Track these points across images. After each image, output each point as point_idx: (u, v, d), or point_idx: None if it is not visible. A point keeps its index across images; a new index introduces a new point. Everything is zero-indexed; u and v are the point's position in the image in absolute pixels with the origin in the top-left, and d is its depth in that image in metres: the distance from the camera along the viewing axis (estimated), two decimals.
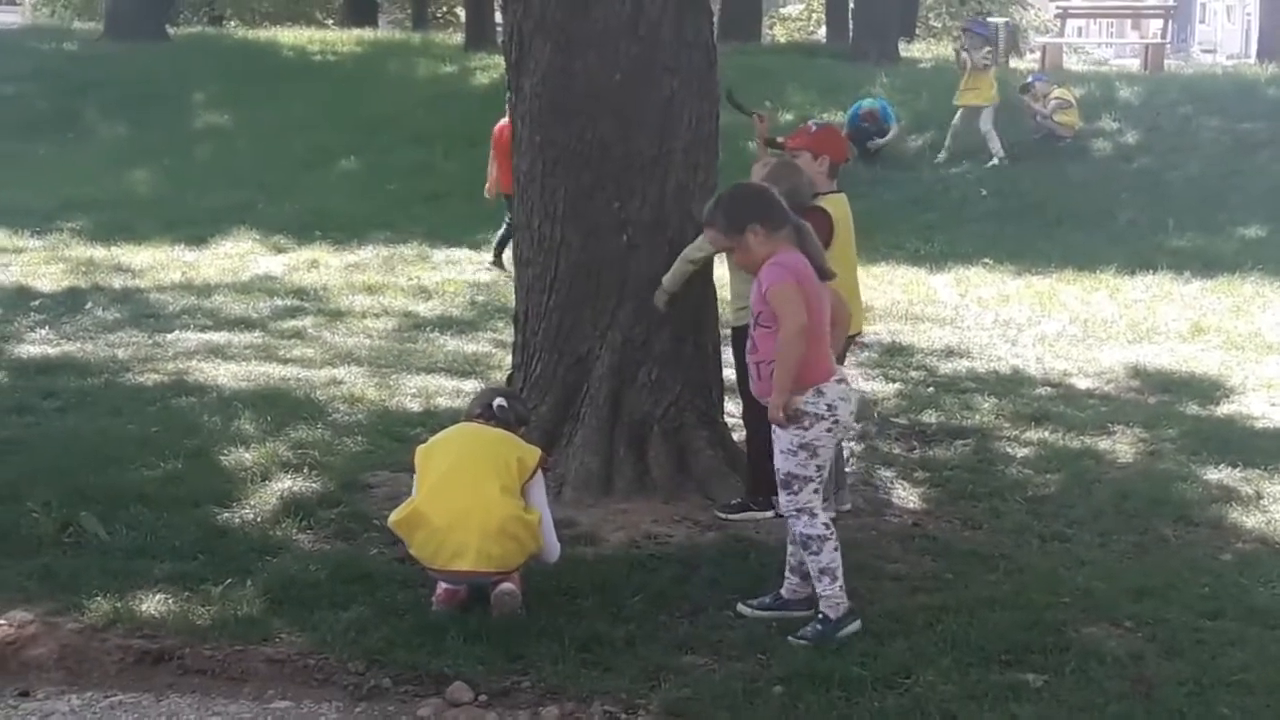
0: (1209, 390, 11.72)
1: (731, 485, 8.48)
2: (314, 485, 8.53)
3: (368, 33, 36.40)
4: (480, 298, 15.20)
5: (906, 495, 8.87)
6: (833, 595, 6.70)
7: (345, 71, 29.12)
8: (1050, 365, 12.69)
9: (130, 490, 8.28)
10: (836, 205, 8.23)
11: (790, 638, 6.65)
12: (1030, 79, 23.63)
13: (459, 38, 35.59)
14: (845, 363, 8.30)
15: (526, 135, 8.64)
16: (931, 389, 11.63)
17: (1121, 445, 10.02)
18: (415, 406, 10.58)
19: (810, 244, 6.74)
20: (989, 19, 25.92)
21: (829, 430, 6.66)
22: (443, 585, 6.94)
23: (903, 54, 31.36)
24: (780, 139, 8.67)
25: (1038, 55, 33.04)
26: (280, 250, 17.89)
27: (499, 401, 7.41)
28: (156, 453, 9.01)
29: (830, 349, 6.81)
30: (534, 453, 7.18)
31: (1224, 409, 11.17)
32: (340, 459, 9.12)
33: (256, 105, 26.19)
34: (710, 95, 8.72)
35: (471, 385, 11.24)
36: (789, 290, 6.54)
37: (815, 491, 6.72)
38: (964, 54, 22.61)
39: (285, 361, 12.07)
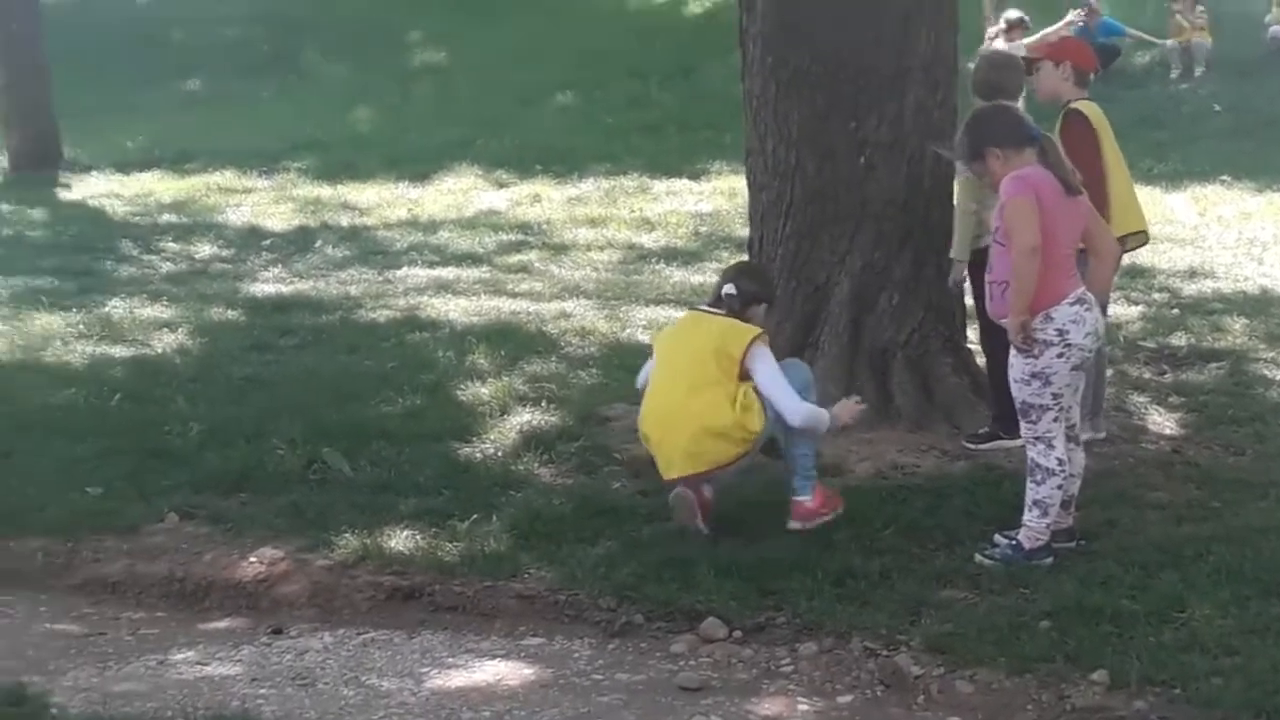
0: None
1: (978, 413, 8.20)
2: (552, 419, 8.44)
3: None
4: (704, 228, 15.04)
5: (1162, 421, 8.53)
6: (1035, 529, 6.45)
7: (557, 5, 28.98)
8: None
9: (371, 426, 8.27)
10: (1088, 108, 7.88)
11: (977, 554, 6.48)
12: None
13: None
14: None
15: (758, 55, 8.40)
16: (1177, 311, 11.22)
17: None
18: (646, 338, 10.41)
19: (1055, 158, 6.43)
20: None
21: (1060, 356, 6.33)
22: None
23: None
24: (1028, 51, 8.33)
25: None
26: (502, 185, 17.91)
27: (727, 289, 7.12)
28: (395, 388, 9.00)
29: (1073, 269, 6.46)
30: (741, 338, 6.85)
31: None
32: (576, 392, 9.02)
33: (471, 42, 26.19)
34: (948, 10, 8.41)
35: None
36: (1023, 207, 6.25)
37: (1055, 420, 6.43)
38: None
39: (514, 295, 12.03)
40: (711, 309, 7.15)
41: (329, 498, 7.30)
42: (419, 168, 18.75)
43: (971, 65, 8.63)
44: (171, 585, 6.65)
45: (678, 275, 13.02)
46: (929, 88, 8.27)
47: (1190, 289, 12.00)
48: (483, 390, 8.93)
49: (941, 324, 8.41)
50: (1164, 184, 16.98)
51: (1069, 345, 6.34)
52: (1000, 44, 18.51)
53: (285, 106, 23.51)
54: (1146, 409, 8.74)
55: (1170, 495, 7.28)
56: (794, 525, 6.83)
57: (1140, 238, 8.21)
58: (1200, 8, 22.24)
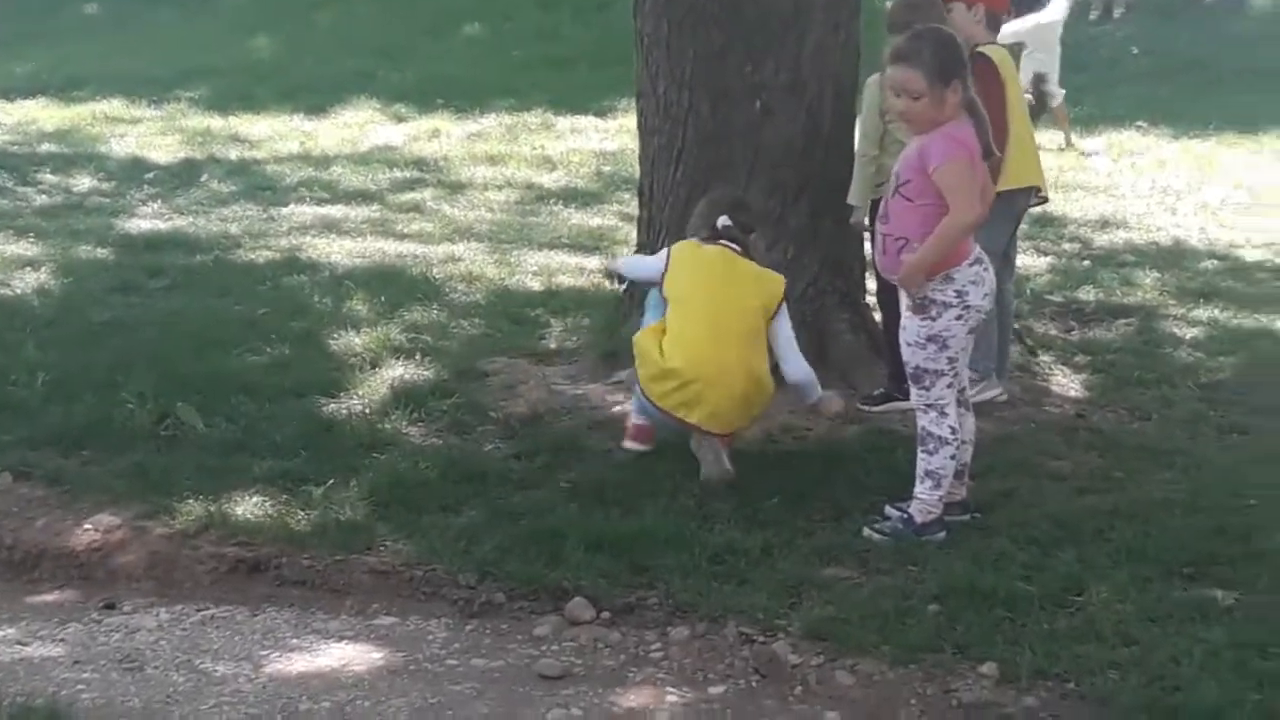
0: None
1: (875, 373, 7.80)
2: (426, 373, 7.95)
3: None
4: (606, 168, 14.55)
5: (1066, 382, 8.16)
6: (927, 501, 6.06)
7: None
8: (1215, 236, 11.88)
9: (233, 378, 7.76)
10: (997, 54, 7.49)
11: (865, 528, 6.09)
12: None
13: None
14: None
15: None
16: (1087, 263, 10.87)
17: None
18: (536, 285, 9.99)
19: (980, 116, 6.00)
20: None
21: (959, 318, 5.95)
22: (637, 421, 6.84)
23: None
24: None
25: None
26: (400, 119, 17.35)
27: (723, 221, 6.85)
28: (263, 336, 8.49)
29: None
30: (776, 288, 6.80)
31: None
32: (456, 343, 8.55)
33: None
34: None
35: (596, 262, 10.63)
36: (964, 172, 5.84)
37: (949, 386, 6.04)
38: None
39: (402, 237, 11.53)
40: (713, 242, 6.84)
41: (177, 458, 6.77)
42: (316, 99, 18.16)
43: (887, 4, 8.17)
44: None
45: (576, 218, 12.56)
46: (830, 28, 7.82)
47: (1102, 239, 11.67)
48: (356, 340, 8.43)
49: (838, 278, 8.01)
50: (1079, 129, 16.68)
51: (968, 307, 5.95)
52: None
53: (184, 33, 22.83)
54: (1051, 369, 8.37)
55: (1072, 464, 6.91)
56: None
57: (1039, 197, 7.85)
58: None
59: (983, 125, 5.97)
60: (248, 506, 6.22)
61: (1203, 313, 9.43)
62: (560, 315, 9.21)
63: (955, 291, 5.92)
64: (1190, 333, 9.05)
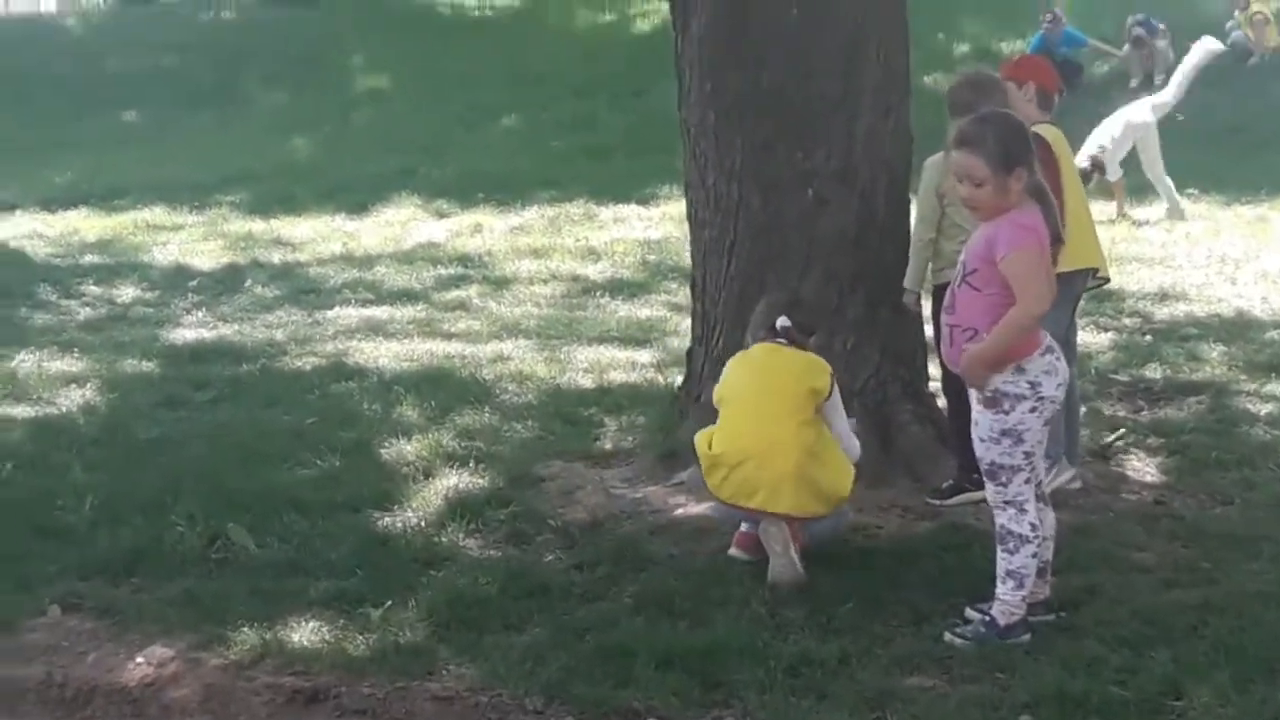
0: None
1: (943, 465, 7.57)
2: (481, 481, 7.74)
3: None
4: (651, 257, 14.40)
5: (1142, 466, 7.91)
6: (1010, 603, 5.79)
7: (503, 26, 28.35)
8: (1278, 305, 11.58)
9: (283, 494, 7.54)
10: (1049, 133, 7.30)
11: (947, 633, 5.81)
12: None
13: None
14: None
15: (695, 83, 7.76)
16: (1149, 338, 10.62)
17: None
18: (588, 382, 9.79)
19: (1048, 201, 5.79)
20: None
21: (1033, 410, 5.70)
22: (742, 528, 6.63)
23: None
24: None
25: None
26: (442, 215, 17.24)
27: (781, 322, 6.70)
28: (312, 448, 8.29)
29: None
30: (825, 374, 6.64)
31: None
32: (509, 448, 8.35)
33: (414, 66, 25.49)
34: (900, 25, 7.79)
35: (647, 356, 10.46)
36: (1034, 261, 5.62)
37: (1027, 481, 5.79)
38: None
39: (449, 336, 11.36)
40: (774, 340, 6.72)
41: (230, 582, 6.54)
42: (357, 198, 18.06)
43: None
44: (49, 691, 5.87)
45: (623, 310, 12.38)
46: (880, 112, 7.63)
47: (1162, 313, 11.41)
48: (408, 448, 8.23)
49: (900, 368, 7.78)
50: (1130, 197, 16.43)
51: (1042, 399, 5.71)
52: None
53: (222, 137, 22.80)
54: (1124, 453, 8.11)
55: (1155, 555, 6.65)
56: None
57: (1099, 279, 7.65)
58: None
59: (1051, 210, 5.76)
60: (304, 632, 5.99)
61: (1276, 387, 9.17)
62: (614, 413, 9.02)
63: (1028, 383, 5.69)
64: (1265, 409, 8.79)
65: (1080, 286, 7.60)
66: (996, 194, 5.66)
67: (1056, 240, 5.78)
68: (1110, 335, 10.73)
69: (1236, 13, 21.75)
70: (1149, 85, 21.29)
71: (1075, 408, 7.67)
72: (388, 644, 5.88)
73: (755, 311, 6.96)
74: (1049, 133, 7.30)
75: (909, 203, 7.88)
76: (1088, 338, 10.39)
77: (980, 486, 7.26)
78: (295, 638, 5.95)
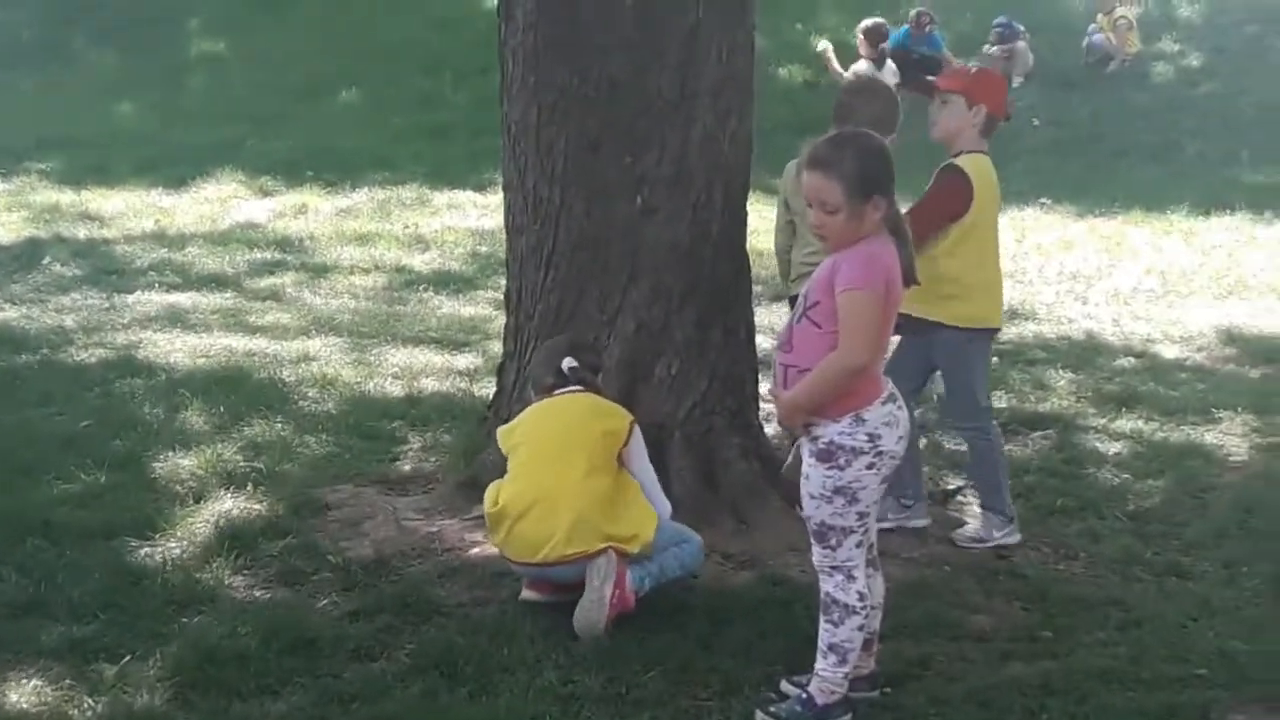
0: None
1: (770, 503, 6.91)
2: (259, 506, 6.97)
3: None
4: (483, 248, 13.65)
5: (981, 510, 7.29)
6: (831, 680, 5.15)
7: None
8: (1129, 329, 11.15)
9: (35, 515, 6.72)
10: (978, 167, 6.71)
11: (759, 710, 5.17)
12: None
13: None
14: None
15: (519, 75, 7.04)
16: (996, 360, 10.01)
17: (1231, 438, 8.47)
18: (396, 390, 9.05)
19: (904, 236, 5.13)
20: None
21: (870, 467, 5.04)
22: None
23: None
24: (931, 79, 7.00)
25: None
26: (266, 193, 16.32)
27: (568, 363, 6.14)
28: (79, 458, 7.47)
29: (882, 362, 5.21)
30: (622, 418, 6.10)
31: None
32: (297, 466, 7.59)
33: (256, 31, 24.34)
34: (744, 22, 7.09)
35: (465, 361, 9.74)
36: (871, 304, 4.94)
37: (858, 545, 5.14)
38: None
39: (254, 331, 10.55)
40: (558, 390, 6.12)
41: None
42: (177, 171, 17.01)
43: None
44: None
45: (446, 306, 11.68)
46: (718, 115, 6.95)
47: (1010, 332, 10.83)
48: (184, 463, 7.45)
49: (729, 396, 7.11)
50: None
51: (881, 453, 5.05)
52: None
53: (45, 100, 21.56)
54: (965, 495, 7.52)
55: (994, 619, 6.05)
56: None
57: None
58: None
59: (906, 248, 5.11)
60: (24, 692, 5.19)
61: (1125, 423, 8.64)
62: (420, 428, 8.31)
63: (867, 435, 5.03)
64: (1114, 448, 8.26)
65: (986, 345, 7.09)
66: (849, 222, 4.99)
67: (909, 281, 5.13)
68: None
69: (1100, 16, 21.38)
70: (1008, 87, 20.90)
71: (915, 445, 7.08)
72: (118, 710, 5.10)
73: (532, 362, 6.45)
74: (975, 165, 6.71)
75: (746, 214, 7.23)
76: None
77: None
78: (14, 698, 5.16)
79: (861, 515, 5.11)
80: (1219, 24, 22.54)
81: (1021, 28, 21.11)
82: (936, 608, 6.06)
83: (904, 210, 5.60)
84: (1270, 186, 16.54)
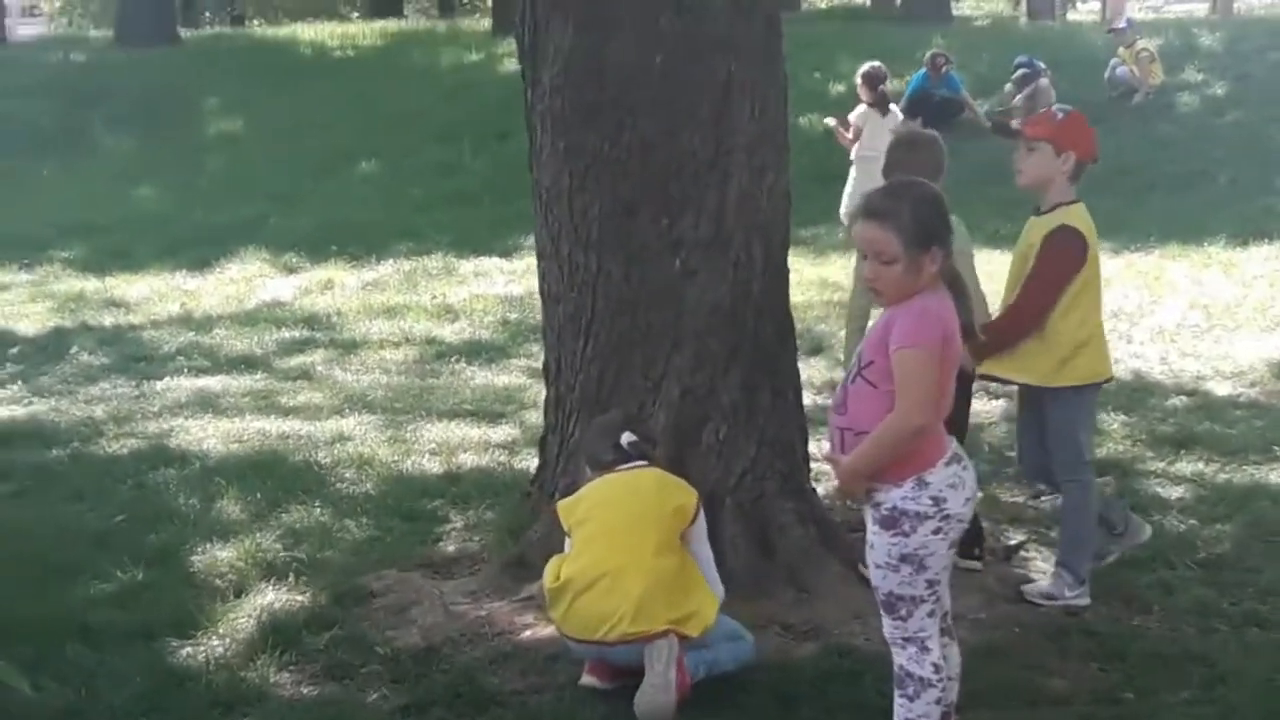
0: None
1: (828, 569, 6.68)
2: (301, 598, 6.74)
3: (391, 24, 34.42)
4: (513, 315, 13.44)
5: (1047, 567, 7.02)
6: None
7: (366, 67, 27.30)
8: (1178, 366, 10.89)
9: (72, 617, 6.51)
10: (1085, 221, 6.46)
11: None
12: (1123, 24, 21.55)
13: (486, 24, 33.68)
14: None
15: (548, 141, 6.84)
16: None
17: None
18: (435, 467, 8.83)
19: (961, 291, 4.91)
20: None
21: (937, 532, 4.80)
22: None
23: (954, 12, 29.45)
24: (1014, 123, 6.71)
25: (1096, 5, 31.16)
26: (291, 270, 16.19)
27: (627, 438, 5.96)
28: (114, 555, 7.26)
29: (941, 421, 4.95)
30: (690, 494, 5.90)
31: None
32: (338, 553, 7.37)
33: (272, 109, 24.40)
34: (775, 75, 6.90)
35: (502, 433, 9.52)
36: (926, 361, 4.73)
37: (930, 615, 4.91)
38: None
39: (286, 412, 10.34)
40: (619, 465, 5.94)
41: None
42: (201, 252, 16.91)
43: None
44: None
45: (480, 376, 11.46)
46: (755, 172, 6.74)
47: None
48: (222, 555, 7.24)
49: (779, 460, 6.89)
50: (1012, 246, 15.66)
51: (947, 517, 4.81)
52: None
53: (65, 186, 21.51)
54: (1026, 549, 7.27)
55: (1070, 681, 5.81)
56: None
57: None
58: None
59: (965, 302, 4.89)
60: None
61: (1185, 466, 8.38)
62: (461, 507, 8.09)
63: (931, 499, 4.80)
64: (1175, 492, 8.01)
65: (1095, 396, 6.82)
66: (906, 275, 4.78)
67: (968, 335, 4.92)
68: (1002, 403, 9.90)
69: (1121, 49, 21.25)
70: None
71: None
72: None
73: (585, 439, 6.26)
74: (1082, 219, 6.45)
75: (787, 272, 7.03)
76: (977, 406, 9.54)
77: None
78: None
79: (931, 583, 4.88)
80: (1241, 51, 22.38)
81: (1042, 65, 20.96)
82: (1010, 672, 5.82)
83: (1022, 282, 5.51)
84: None
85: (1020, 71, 20.94)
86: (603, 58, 6.57)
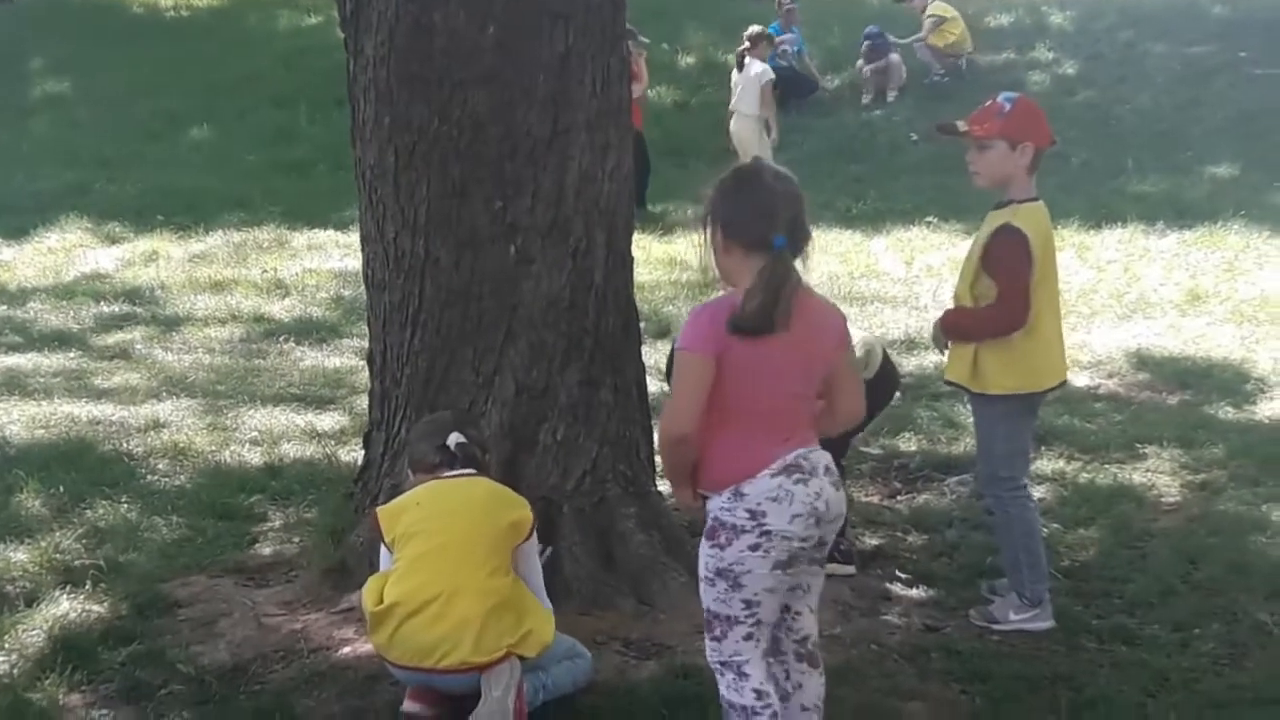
0: (1236, 383, 9.64)
1: (671, 578, 6.23)
2: (99, 608, 6.18)
3: None
4: (346, 291, 12.84)
5: (907, 576, 6.64)
6: None
7: (199, 28, 26.33)
8: None
9: None
10: (1034, 221, 5.93)
11: None
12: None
13: None
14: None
15: (372, 115, 6.29)
16: (899, 396, 9.39)
17: (1160, 476, 7.89)
18: (255, 458, 8.28)
19: (771, 293, 4.42)
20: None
21: (755, 549, 4.40)
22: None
23: None
24: (960, 123, 6.14)
25: None
26: (114, 240, 15.44)
27: (455, 439, 5.41)
28: None
29: (787, 426, 4.51)
30: (525, 509, 5.38)
31: (1265, 410, 9.08)
32: (144, 556, 6.81)
33: (101, 70, 23.40)
34: (616, 47, 6.40)
35: (330, 420, 8.99)
36: (692, 365, 4.39)
37: (748, 639, 4.49)
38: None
39: (100, 395, 9.72)
40: (446, 469, 5.38)
41: None
42: (18, 220, 16.09)
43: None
44: None
45: (310, 357, 10.89)
46: (596, 152, 6.25)
47: (910, 363, 10.25)
48: (16, 558, 6.66)
49: (621, 462, 6.43)
50: (865, 226, 15.45)
51: (767, 533, 4.39)
52: (753, 65, 16.43)
53: None
54: (884, 555, 6.87)
55: (930, 707, 5.40)
56: None
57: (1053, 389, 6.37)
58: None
59: (770, 301, 4.42)
60: None
61: (1046, 463, 8.02)
62: (281, 503, 7.57)
63: (747, 511, 4.40)
64: (1037, 493, 7.55)
65: (1022, 408, 6.26)
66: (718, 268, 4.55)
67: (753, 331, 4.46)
68: None
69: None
70: (882, 102, 20.45)
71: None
72: None
73: (412, 437, 5.71)
74: (1024, 217, 5.91)
75: (631, 259, 6.56)
76: None
77: (847, 560, 6.49)
78: None
79: (749, 604, 4.46)
80: (1092, 30, 22.26)
81: (893, 38, 20.67)
82: (867, 698, 5.40)
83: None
84: (1159, 195, 16.17)
85: (866, 44, 20.62)
86: (431, 27, 6.03)
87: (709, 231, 4.47)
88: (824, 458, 4.56)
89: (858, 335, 6.32)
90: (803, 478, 4.45)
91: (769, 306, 4.35)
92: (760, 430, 4.45)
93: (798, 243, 4.45)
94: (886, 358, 6.93)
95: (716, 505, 4.44)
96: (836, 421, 4.71)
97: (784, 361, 4.44)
